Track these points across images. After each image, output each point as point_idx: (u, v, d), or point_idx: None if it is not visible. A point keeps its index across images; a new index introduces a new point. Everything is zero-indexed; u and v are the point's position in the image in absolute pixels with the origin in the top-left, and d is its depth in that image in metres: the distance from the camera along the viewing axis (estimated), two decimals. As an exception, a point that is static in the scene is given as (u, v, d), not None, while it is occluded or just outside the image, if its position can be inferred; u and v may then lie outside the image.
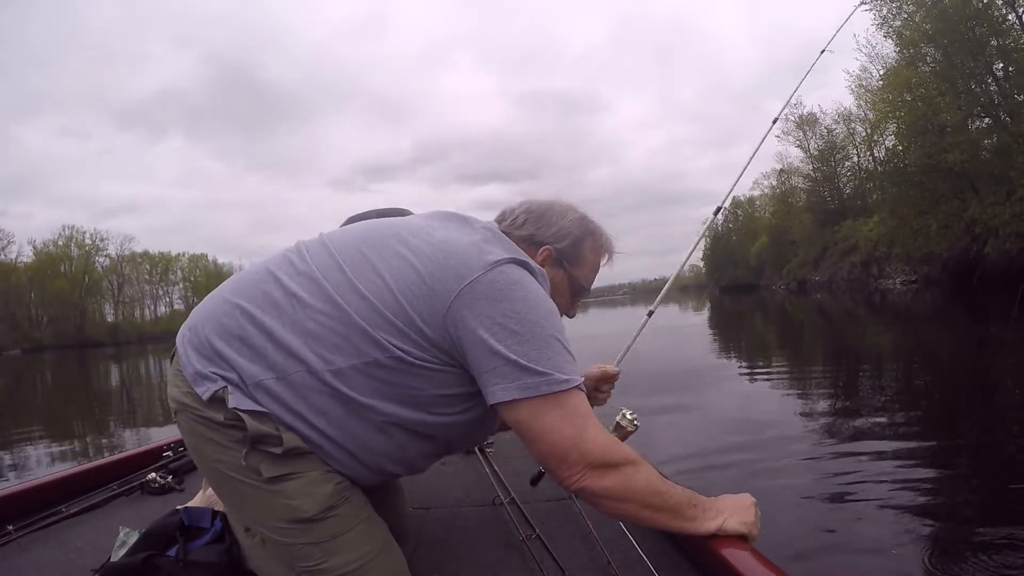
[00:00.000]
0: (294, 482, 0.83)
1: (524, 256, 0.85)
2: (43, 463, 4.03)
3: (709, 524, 0.86)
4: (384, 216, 2.06)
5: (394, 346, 0.80)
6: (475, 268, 0.80)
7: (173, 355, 0.90)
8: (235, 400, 0.81)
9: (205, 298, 0.92)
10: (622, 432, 1.14)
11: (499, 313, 0.78)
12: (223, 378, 0.82)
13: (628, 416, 1.17)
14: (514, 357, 0.76)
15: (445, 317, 0.79)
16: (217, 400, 0.82)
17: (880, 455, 2.52)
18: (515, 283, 0.80)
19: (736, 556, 0.84)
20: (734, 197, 65.26)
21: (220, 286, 0.93)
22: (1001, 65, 19.64)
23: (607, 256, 1.06)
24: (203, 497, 1.25)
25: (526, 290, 0.81)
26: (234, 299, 0.87)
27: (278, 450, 0.81)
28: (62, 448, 4.61)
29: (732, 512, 0.87)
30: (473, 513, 1.31)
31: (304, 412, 0.82)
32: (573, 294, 1.02)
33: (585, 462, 0.78)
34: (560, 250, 0.98)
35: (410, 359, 0.80)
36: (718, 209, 1.78)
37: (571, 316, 1.05)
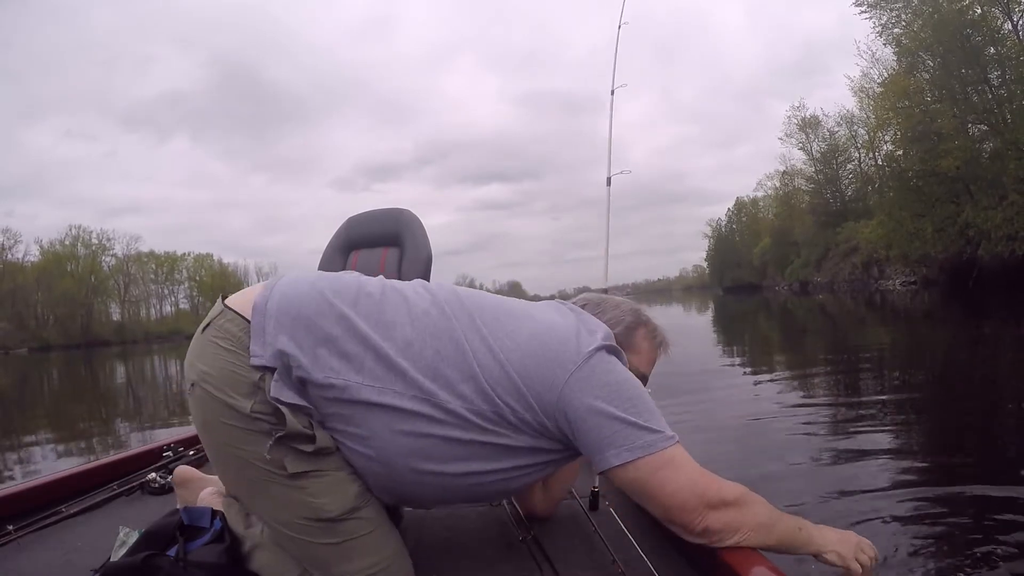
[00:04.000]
0: (319, 480, 0.82)
1: (613, 341, 0.92)
2: (49, 462, 4.04)
3: (811, 548, 0.89)
4: (384, 215, 2.08)
5: (504, 403, 0.84)
6: (588, 346, 0.88)
7: (207, 325, 0.87)
8: (276, 390, 0.80)
9: (290, 283, 0.89)
10: None
11: (612, 385, 0.86)
12: (282, 359, 0.80)
13: None
14: (634, 419, 0.84)
15: (564, 386, 0.84)
16: (251, 385, 0.80)
17: (881, 447, 2.53)
18: (617, 364, 0.90)
19: (735, 556, 0.84)
20: (737, 198, 65.31)
21: (316, 280, 0.90)
22: (998, 72, 19.99)
23: (662, 347, 1.10)
24: (182, 499, 1.24)
25: (624, 368, 0.91)
26: (335, 300, 0.86)
27: (309, 448, 0.81)
28: (68, 447, 4.63)
29: (835, 543, 0.89)
30: (473, 513, 1.31)
31: (368, 427, 0.82)
32: None
33: (704, 503, 0.84)
34: (616, 335, 1.01)
35: (512, 418, 0.85)
36: (608, 179, 1.79)
37: None
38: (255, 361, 0.80)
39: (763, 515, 0.88)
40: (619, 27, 2.07)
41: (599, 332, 0.91)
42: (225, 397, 0.81)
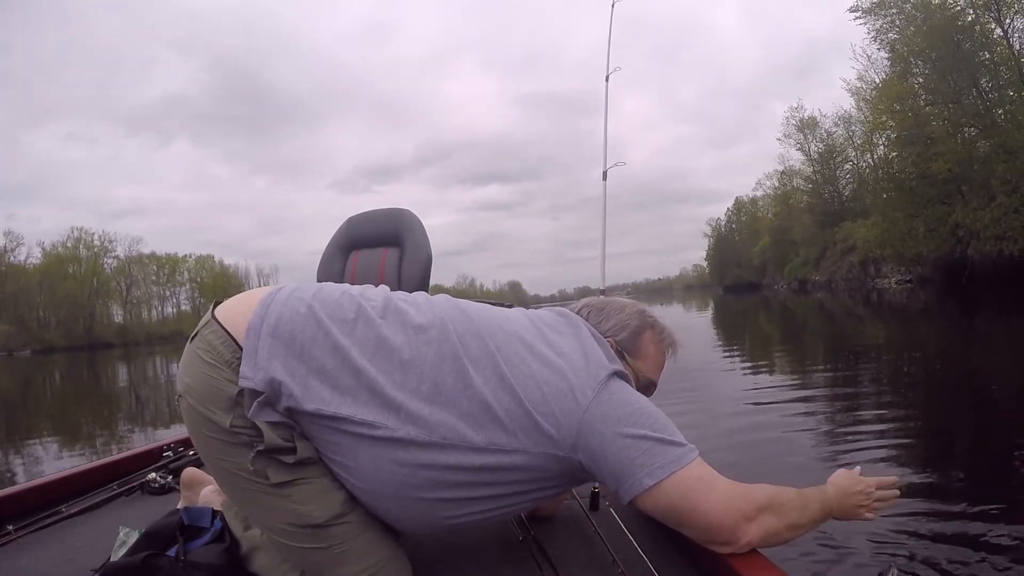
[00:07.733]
0: (303, 488, 0.82)
1: (618, 364, 0.90)
2: (50, 462, 4.05)
3: (826, 518, 0.90)
4: (384, 215, 2.07)
5: (510, 434, 0.81)
6: (601, 373, 0.86)
7: (195, 334, 0.86)
8: (256, 411, 0.79)
9: (286, 302, 0.85)
10: None
11: (631, 406, 0.85)
12: (272, 387, 0.79)
13: None
14: (660, 435, 0.83)
15: (585, 414, 0.83)
16: (231, 399, 0.80)
17: (879, 443, 2.54)
18: (628, 387, 0.89)
19: (735, 556, 0.84)
20: (737, 197, 65.41)
21: (314, 299, 0.87)
22: (988, 77, 20.37)
23: (670, 349, 1.06)
24: (188, 500, 1.25)
25: (635, 391, 0.90)
26: (331, 327, 0.83)
27: (290, 459, 0.80)
28: (69, 447, 4.64)
29: (837, 504, 0.91)
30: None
31: (354, 458, 0.81)
32: (642, 389, 1.00)
33: (741, 516, 0.82)
34: (620, 342, 1.00)
35: (514, 449, 0.82)
36: (604, 173, 1.81)
37: None
38: (245, 383, 0.79)
39: (794, 512, 0.86)
40: (612, 5, 2.06)
41: (605, 356, 0.90)
42: (206, 411, 0.81)
